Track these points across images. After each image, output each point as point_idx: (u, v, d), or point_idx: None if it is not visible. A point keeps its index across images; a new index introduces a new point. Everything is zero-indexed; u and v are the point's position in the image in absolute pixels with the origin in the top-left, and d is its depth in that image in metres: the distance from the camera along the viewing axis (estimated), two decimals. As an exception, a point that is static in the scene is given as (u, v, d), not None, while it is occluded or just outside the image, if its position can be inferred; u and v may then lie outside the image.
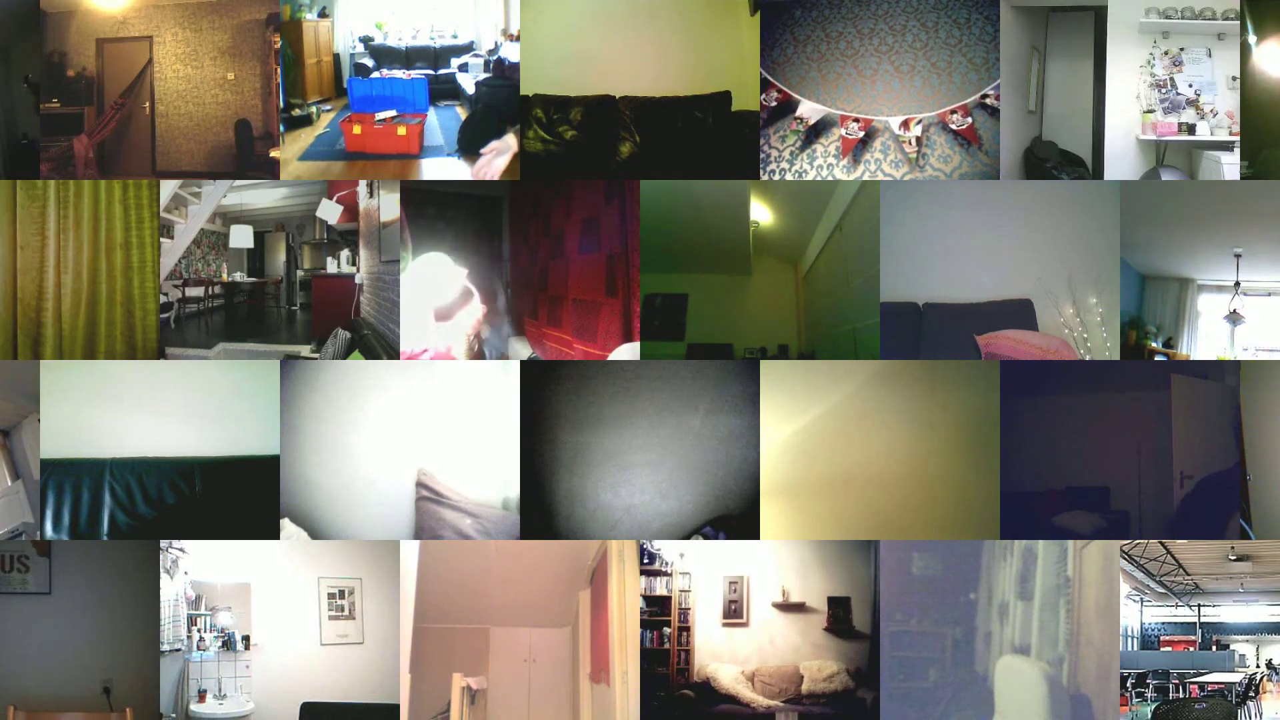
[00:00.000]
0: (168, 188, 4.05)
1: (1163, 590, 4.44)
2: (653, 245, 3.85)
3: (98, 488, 3.81)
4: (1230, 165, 3.94)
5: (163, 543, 3.92)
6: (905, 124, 3.99)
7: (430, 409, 3.88)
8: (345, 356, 4.07)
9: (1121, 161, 4.02)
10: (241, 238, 4.29)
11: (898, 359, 3.80)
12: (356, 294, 4.32)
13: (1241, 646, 4.42)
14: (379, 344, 4.05)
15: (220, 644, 4.18)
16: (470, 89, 4.45)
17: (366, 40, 4.71)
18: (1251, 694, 4.23)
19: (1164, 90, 3.99)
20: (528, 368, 3.84)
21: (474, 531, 3.77)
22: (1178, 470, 3.81)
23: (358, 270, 4.32)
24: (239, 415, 3.83)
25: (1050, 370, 3.81)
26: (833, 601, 4.23)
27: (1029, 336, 3.85)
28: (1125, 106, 4.01)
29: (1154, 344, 3.96)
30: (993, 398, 3.75)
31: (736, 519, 3.80)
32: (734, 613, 4.27)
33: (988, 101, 3.98)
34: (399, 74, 4.54)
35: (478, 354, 3.97)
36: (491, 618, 4.71)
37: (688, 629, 4.24)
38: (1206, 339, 4.00)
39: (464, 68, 4.59)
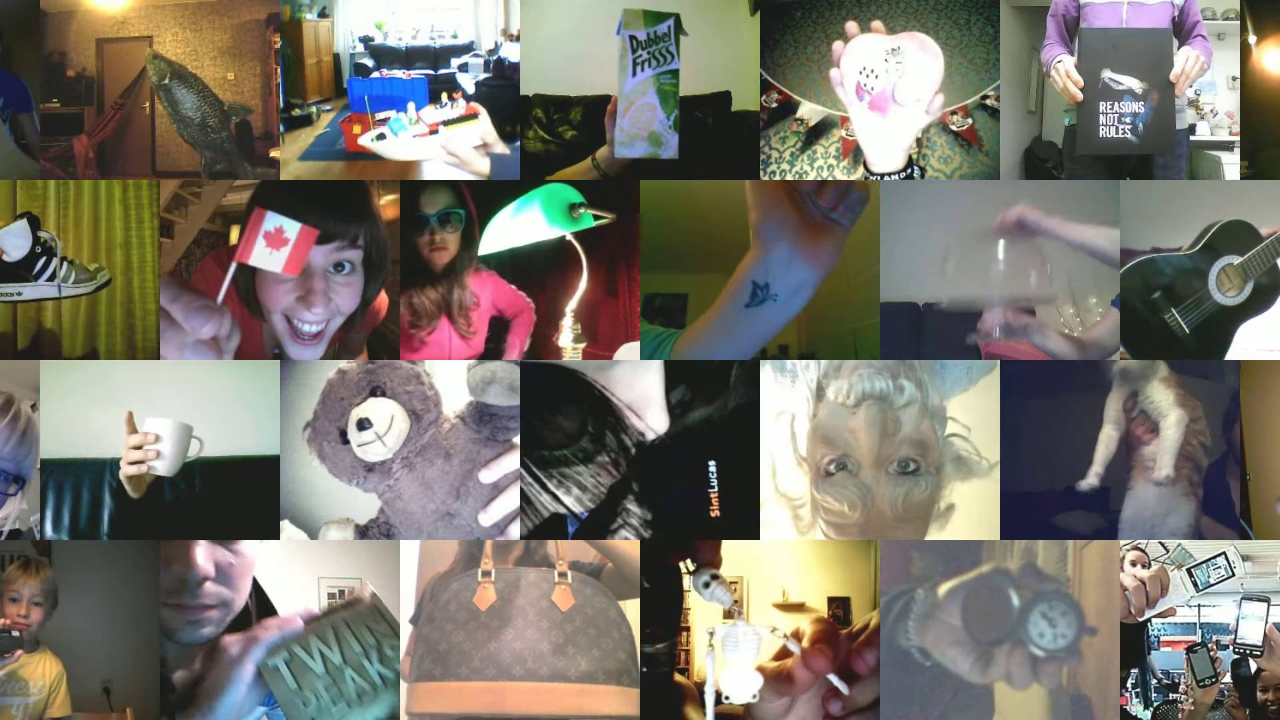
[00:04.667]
0: (168, 188, 4.05)
1: (1163, 590, 4.44)
2: (653, 245, 3.85)
3: (98, 488, 3.80)
4: (1230, 165, 3.94)
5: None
6: (905, 124, 3.98)
7: (430, 409, 3.87)
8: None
9: (1121, 161, 4.02)
10: (242, 238, 4.28)
11: (898, 359, 3.79)
12: (356, 294, 4.31)
13: (1241, 646, 4.41)
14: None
15: (220, 644, 4.17)
16: (470, 89, 4.44)
17: (366, 40, 4.70)
18: (1251, 694, 4.22)
19: (1164, 90, 3.99)
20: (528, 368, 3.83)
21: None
22: (1178, 470, 3.80)
23: (358, 270, 4.31)
24: (239, 415, 3.83)
25: (1050, 370, 3.81)
26: (833, 601, 4.23)
27: (1029, 336, 3.85)
28: (1125, 106, 4.02)
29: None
30: (993, 398, 3.75)
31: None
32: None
33: (988, 102, 3.98)
34: (399, 74, 4.53)
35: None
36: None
37: (687, 629, 4.23)
38: (1207, 339, 4.01)
39: (464, 68, 4.59)
